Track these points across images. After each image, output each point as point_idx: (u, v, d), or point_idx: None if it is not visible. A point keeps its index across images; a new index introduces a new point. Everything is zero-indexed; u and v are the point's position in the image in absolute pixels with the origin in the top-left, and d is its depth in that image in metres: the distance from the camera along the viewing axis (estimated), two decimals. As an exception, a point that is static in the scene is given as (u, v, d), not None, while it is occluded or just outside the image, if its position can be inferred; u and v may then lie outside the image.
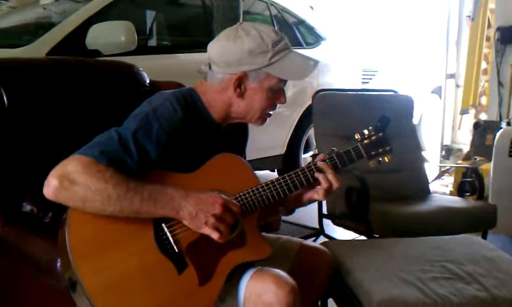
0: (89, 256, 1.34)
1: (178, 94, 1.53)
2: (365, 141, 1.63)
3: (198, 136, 1.54)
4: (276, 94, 1.58)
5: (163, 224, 1.41)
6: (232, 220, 1.43)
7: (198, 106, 1.56)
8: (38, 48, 2.89)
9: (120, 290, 1.34)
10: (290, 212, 1.74)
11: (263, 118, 1.61)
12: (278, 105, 1.60)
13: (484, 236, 2.82)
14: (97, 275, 1.32)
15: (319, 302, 1.99)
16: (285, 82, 1.58)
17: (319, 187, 1.58)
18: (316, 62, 1.64)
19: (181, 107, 1.49)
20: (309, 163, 1.60)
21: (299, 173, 1.57)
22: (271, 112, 1.61)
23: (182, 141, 1.49)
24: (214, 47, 1.57)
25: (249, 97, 1.55)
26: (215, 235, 1.39)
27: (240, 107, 1.57)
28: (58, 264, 1.43)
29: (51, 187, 1.31)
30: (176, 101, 1.49)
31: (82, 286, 1.30)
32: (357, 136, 1.64)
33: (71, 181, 1.31)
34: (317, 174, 1.56)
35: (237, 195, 1.50)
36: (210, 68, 1.58)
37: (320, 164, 1.57)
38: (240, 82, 1.53)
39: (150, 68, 2.24)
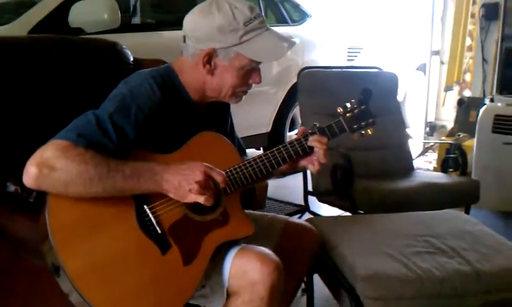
0: (71, 241, 1.33)
1: (155, 73, 1.51)
2: (348, 115, 1.60)
3: (178, 116, 1.53)
4: (249, 74, 1.55)
5: (145, 206, 1.41)
6: (214, 187, 1.42)
7: (176, 85, 1.54)
8: (20, 27, 2.84)
9: (104, 273, 1.33)
10: (284, 174, 1.70)
11: (236, 95, 1.58)
12: (262, 84, 1.59)
13: (467, 212, 2.86)
14: (80, 259, 1.31)
15: (305, 278, 2.01)
16: (258, 62, 1.54)
17: (311, 157, 1.58)
18: (292, 43, 1.58)
19: (159, 87, 1.47)
20: (292, 139, 1.59)
21: (282, 149, 1.56)
22: (247, 90, 1.58)
23: (161, 122, 1.47)
24: (187, 20, 1.54)
25: (219, 74, 1.52)
26: (201, 199, 1.38)
27: (212, 84, 1.54)
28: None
29: (31, 176, 1.29)
30: (154, 81, 1.48)
31: (65, 271, 1.29)
32: (339, 110, 1.61)
33: (50, 167, 1.29)
34: (310, 142, 1.55)
35: None
36: (184, 41, 1.55)
37: (312, 137, 1.56)
38: (209, 58, 1.50)
39: (133, 45, 2.22)
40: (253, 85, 1.59)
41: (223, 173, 1.45)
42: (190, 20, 1.53)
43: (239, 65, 1.51)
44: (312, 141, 1.56)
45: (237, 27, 1.47)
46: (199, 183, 1.38)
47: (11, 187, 1.67)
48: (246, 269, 1.43)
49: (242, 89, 1.57)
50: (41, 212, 1.35)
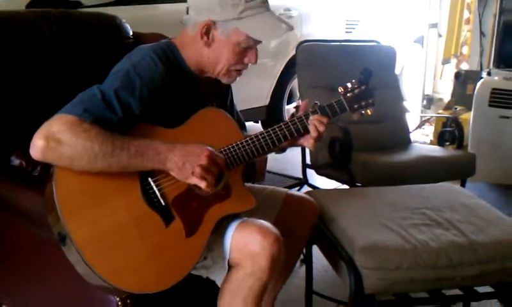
0: (78, 211, 1.35)
1: (156, 47, 1.53)
2: (348, 94, 1.64)
3: (180, 89, 1.55)
4: (245, 52, 1.56)
5: (149, 179, 1.43)
6: (217, 172, 1.46)
7: (177, 59, 1.56)
8: (17, 0, 2.83)
9: (109, 243, 1.36)
10: (283, 150, 1.73)
11: (230, 74, 1.59)
12: (260, 57, 1.59)
13: (463, 184, 2.89)
14: (86, 228, 1.34)
15: (304, 250, 2.05)
16: (255, 41, 1.54)
17: (308, 135, 1.60)
18: (290, 27, 1.57)
19: (161, 61, 1.49)
20: (292, 116, 1.62)
21: (283, 126, 1.58)
22: (241, 70, 1.60)
23: (164, 95, 1.49)
24: None
25: (216, 48, 1.54)
26: (202, 184, 1.41)
27: (209, 57, 1.55)
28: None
29: (38, 148, 1.31)
30: (156, 55, 1.50)
31: (72, 239, 1.32)
32: (340, 89, 1.64)
33: (57, 141, 1.31)
34: (311, 121, 1.57)
35: (222, 149, 1.52)
36: (187, 12, 1.56)
37: (312, 117, 1.58)
38: (207, 29, 1.51)
39: (131, 19, 2.22)
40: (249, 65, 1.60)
41: (223, 157, 1.49)
42: None
43: (236, 41, 1.52)
44: (313, 120, 1.58)
45: (238, 2, 1.48)
46: (202, 166, 1.41)
47: (16, 161, 1.69)
48: (247, 242, 1.46)
49: (237, 68, 1.59)
50: (48, 183, 1.38)
